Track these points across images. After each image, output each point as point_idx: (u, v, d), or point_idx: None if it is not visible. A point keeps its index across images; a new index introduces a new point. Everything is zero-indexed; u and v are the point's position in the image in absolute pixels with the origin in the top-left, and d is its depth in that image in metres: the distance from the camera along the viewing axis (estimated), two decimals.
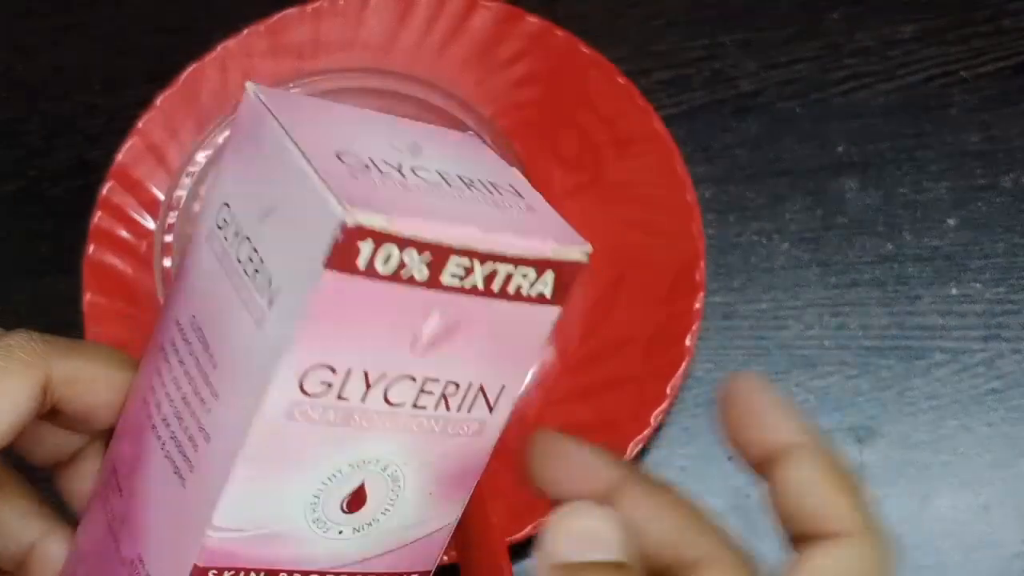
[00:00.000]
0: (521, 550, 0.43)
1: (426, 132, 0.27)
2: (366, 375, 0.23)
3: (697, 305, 0.43)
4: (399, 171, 0.24)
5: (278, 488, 0.24)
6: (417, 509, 0.26)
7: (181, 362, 0.25)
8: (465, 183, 0.25)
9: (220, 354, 0.24)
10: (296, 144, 0.23)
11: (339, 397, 0.23)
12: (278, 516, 0.24)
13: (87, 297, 0.44)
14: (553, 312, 0.25)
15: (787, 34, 0.50)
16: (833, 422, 0.45)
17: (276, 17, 0.48)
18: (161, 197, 0.46)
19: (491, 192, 0.25)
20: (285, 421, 0.23)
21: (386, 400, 0.24)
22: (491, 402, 0.25)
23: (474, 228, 0.23)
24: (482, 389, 0.25)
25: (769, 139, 0.48)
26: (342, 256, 0.22)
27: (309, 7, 0.48)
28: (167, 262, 0.43)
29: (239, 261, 0.24)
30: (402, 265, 0.22)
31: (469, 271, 0.23)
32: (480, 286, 0.23)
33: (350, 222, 0.21)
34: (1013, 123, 0.48)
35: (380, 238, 0.22)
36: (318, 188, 0.22)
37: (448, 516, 0.26)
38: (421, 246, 0.22)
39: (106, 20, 0.52)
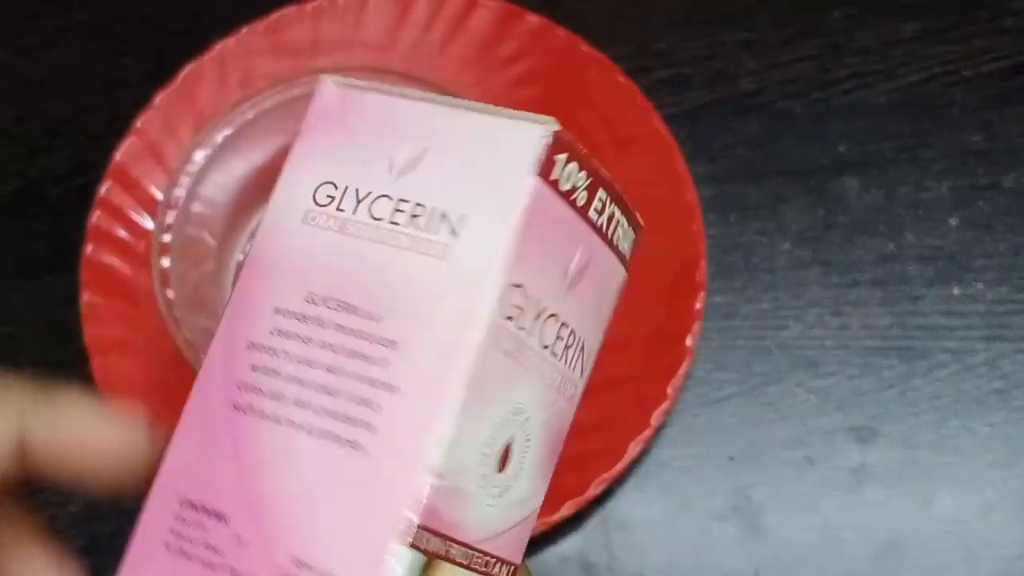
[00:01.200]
0: None
1: None
2: (539, 304, 0.24)
3: (698, 305, 0.43)
4: None
5: (471, 428, 0.23)
6: (532, 477, 0.26)
7: (306, 340, 0.25)
8: None
9: (382, 307, 0.24)
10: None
11: (520, 327, 0.24)
12: (463, 464, 0.23)
13: (85, 297, 0.44)
14: (624, 276, 0.27)
15: (788, 33, 0.50)
16: (834, 422, 0.44)
17: (275, 16, 0.48)
18: (160, 196, 0.46)
19: None
20: (489, 347, 0.23)
21: (541, 340, 0.25)
22: (586, 364, 0.26)
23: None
24: (583, 347, 0.26)
25: (770, 138, 0.48)
26: (545, 167, 0.23)
27: (308, 6, 0.48)
28: (165, 262, 0.43)
29: (376, 218, 0.25)
30: (575, 187, 0.24)
31: (603, 207, 0.25)
32: (605, 226, 0.26)
33: (553, 130, 0.24)
34: (1015, 122, 0.48)
35: (572, 152, 0.24)
36: (498, 119, 0.24)
37: (540, 497, 0.26)
38: (591, 168, 0.25)
39: (106, 20, 0.52)
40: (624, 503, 0.44)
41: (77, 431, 0.25)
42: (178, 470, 0.25)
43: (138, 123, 0.46)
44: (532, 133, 0.24)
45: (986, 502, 0.43)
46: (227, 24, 0.48)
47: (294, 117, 0.44)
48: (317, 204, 0.26)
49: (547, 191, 0.24)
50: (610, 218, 0.26)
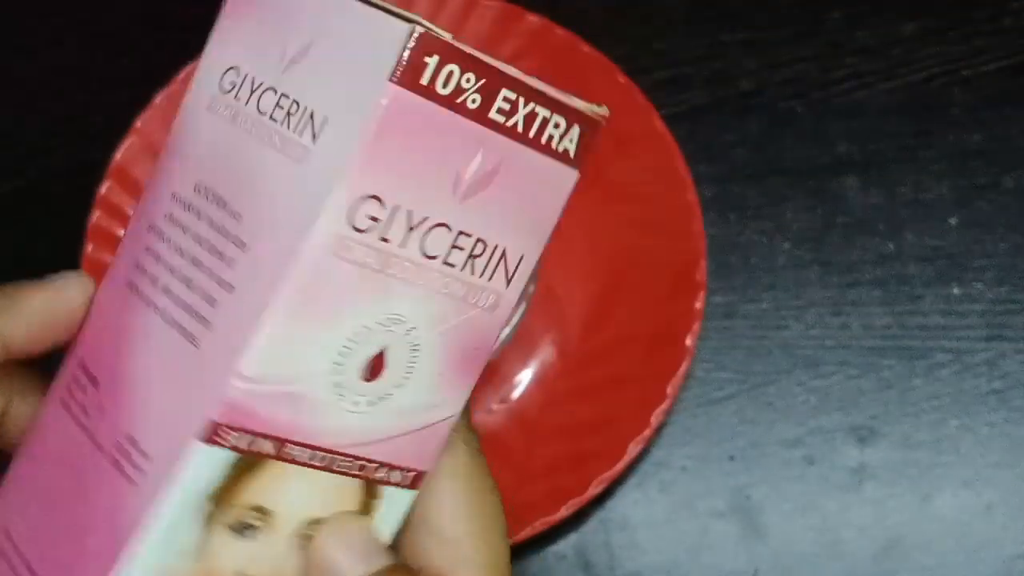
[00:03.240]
0: (518, 551, 0.43)
1: None
2: (410, 215, 0.23)
3: (698, 304, 0.43)
4: None
5: (308, 337, 0.23)
6: (428, 387, 0.25)
7: (185, 229, 0.25)
8: None
9: (245, 206, 0.24)
10: None
11: (382, 239, 0.23)
12: (303, 372, 0.23)
13: None
14: (572, 176, 0.25)
15: (788, 33, 0.50)
16: (834, 422, 0.44)
17: None
18: None
19: None
20: (329, 258, 0.23)
21: (422, 250, 0.24)
22: (510, 272, 0.25)
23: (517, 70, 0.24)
24: (504, 255, 0.25)
25: (770, 138, 0.48)
26: (408, 71, 0.22)
27: None
28: None
29: (261, 112, 0.24)
30: (460, 90, 0.23)
31: (514, 108, 0.23)
32: (520, 127, 0.24)
33: (417, 32, 0.22)
34: (1014, 122, 0.48)
35: (446, 54, 0.22)
36: (378, 12, 0.22)
37: (452, 406, 0.26)
38: (480, 69, 0.23)
39: (106, 19, 0.52)
40: (624, 503, 0.44)
41: (45, 311, 0.26)
42: (85, 336, 0.27)
43: (138, 123, 0.46)
44: (394, 34, 0.22)
45: (986, 502, 0.43)
46: None
47: None
48: (221, 91, 0.25)
49: (414, 97, 0.22)
50: (529, 117, 0.24)
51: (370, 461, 0.25)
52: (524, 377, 0.45)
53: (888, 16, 0.50)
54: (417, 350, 0.25)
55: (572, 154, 0.25)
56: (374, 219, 0.23)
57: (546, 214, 0.25)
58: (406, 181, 0.23)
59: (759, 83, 0.49)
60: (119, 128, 0.47)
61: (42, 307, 0.26)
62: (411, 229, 0.23)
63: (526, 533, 0.41)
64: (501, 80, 0.23)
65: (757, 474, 0.44)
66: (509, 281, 0.25)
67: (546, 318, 0.45)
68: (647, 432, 0.42)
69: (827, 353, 0.45)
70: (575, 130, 0.25)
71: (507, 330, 0.42)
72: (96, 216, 0.45)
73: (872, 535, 0.43)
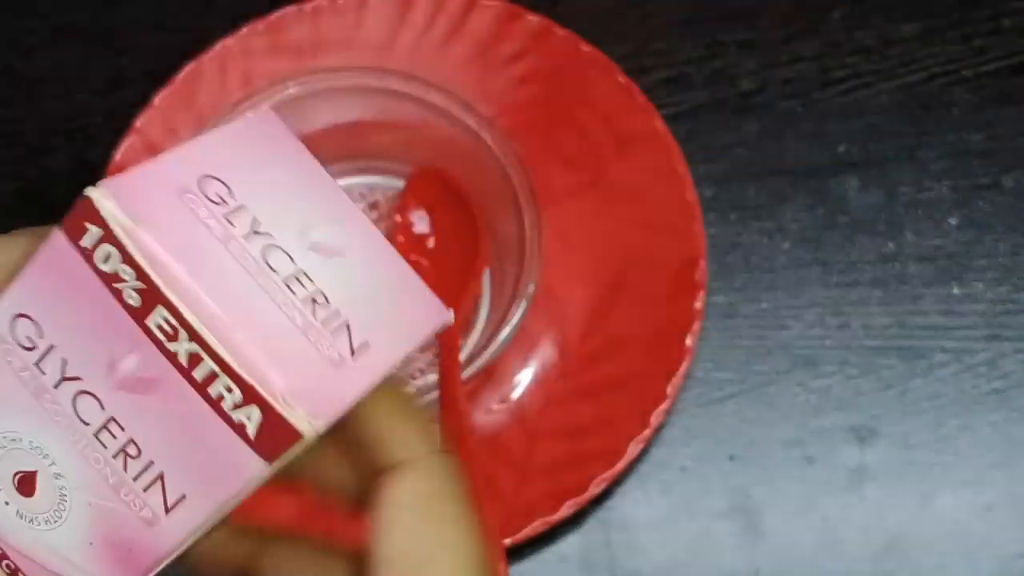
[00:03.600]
0: (518, 552, 0.43)
1: (365, 239, 0.24)
2: (64, 365, 0.21)
3: (698, 304, 0.43)
4: (247, 233, 0.22)
5: None
6: (77, 546, 0.22)
7: None
8: (308, 295, 0.22)
9: None
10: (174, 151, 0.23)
11: (37, 366, 0.22)
12: None
13: None
14: (254, 462, 0.21)
15: (788, 33, 0.50)
16: (834, 422, 0.44)
17: (275, 15, 0.48)
18: None
19: (325, 322, 0.22)
20: None
21: (74, 408, 0.22)
22: (168, 502, 0.22)
23: (215, 306, 0.20)
24: (161, 478, 0.21)
25: (770, 138, 0.48)
26: (73, 225, 0.20)
27: (308, 6, 0.48)
28: None
29: None
30: (118, 277, 0.20)
31: (174, 335, 0.20)
32: (183, 362, 0.20)
33: (88, 193, 0.20)
34: (1015, 122, 0.48)
35: (106, 234, 0.20)
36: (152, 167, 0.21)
37: None
38: (137, 271, 0.20)
39: (105, 19, 0.52)
40: (624, 503, 0.44)
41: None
42: None
43: (138, 123, 0.46)
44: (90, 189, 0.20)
45: (986, 502, 0.43)
46: (227, 24, 0.48)
47: (293, 117, 0.44)
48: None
49: (72, 253, 0.21)
50: (193, 358, 0.20)
51: (10, 562, 0.23)
52: (524, 377, 0.45)
53: (888, 16, 0.50)
54: (65, 500, 0.22)
55: (252, 435, 0.20)
56: (31, 342, 0.21)
57: (222, 483, 0.21)
58: (62, 329, 0.21)
59: (759, 83, 0.49)
60: (119, 128, 0.47)
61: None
62: (64, 379, 0.21)
63: (526, 533, 0.41)
64: (158, 296, 0.20)
65: (757, 474, 0.44)
66: (167, 511, 0.21)
67: (546, 318, 0.45)
68: (647, 432, 0.42)
69: (827, 353, 0.45)
70: (253, 411, 0.20)
71: (507, 330, 0.42)
72: None
73: (872, 535, 0.43)
